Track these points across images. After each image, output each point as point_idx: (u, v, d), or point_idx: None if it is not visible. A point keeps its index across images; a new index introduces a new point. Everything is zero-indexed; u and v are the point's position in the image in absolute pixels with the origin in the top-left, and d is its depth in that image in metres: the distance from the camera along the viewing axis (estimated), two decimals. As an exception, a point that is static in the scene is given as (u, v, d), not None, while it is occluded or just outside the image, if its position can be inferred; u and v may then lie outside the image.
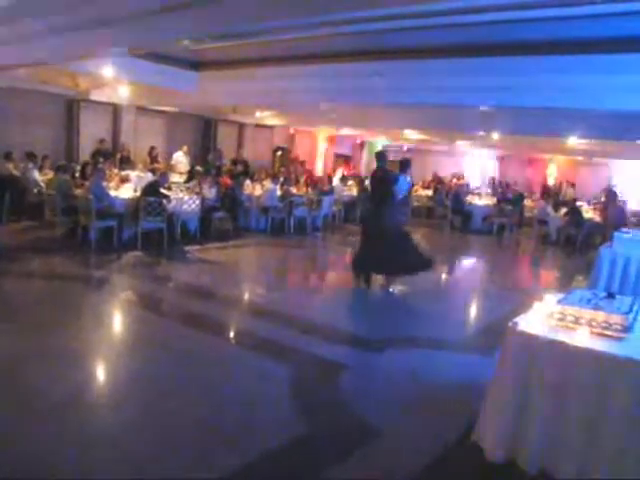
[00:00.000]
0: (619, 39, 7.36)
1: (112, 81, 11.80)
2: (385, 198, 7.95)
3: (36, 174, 11.16)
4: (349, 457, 3.58)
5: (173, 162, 15.51)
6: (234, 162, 17.16)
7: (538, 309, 3.68)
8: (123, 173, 11.71)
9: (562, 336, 3.27)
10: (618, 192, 16.24)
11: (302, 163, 19.62)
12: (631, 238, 7.32)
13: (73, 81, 12.51)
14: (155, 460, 3.38)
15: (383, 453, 3.68)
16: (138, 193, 9.99)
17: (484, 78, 8.84)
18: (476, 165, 25.17)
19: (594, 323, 3.34)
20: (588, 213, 15.28)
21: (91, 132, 14.60)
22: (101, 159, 12.51)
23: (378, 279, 8.29)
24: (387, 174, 8.16)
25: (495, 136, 16.11)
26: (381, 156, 8.47)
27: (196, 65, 11.89)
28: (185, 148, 16.01)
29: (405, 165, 8.69)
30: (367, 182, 13.38)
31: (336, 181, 17.22)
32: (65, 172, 10.48)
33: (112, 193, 9.94)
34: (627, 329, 3.31)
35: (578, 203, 15.89)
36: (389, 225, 7.99)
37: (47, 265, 8.28)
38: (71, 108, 14.44)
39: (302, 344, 5.62)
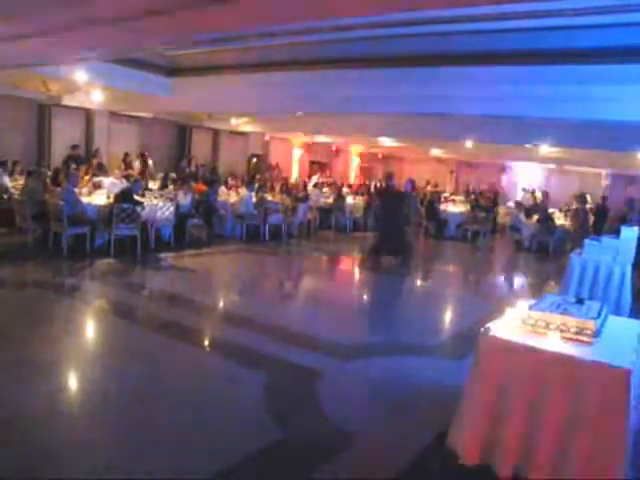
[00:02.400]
0: (589, 50, 7.52)
1: (85, 86, 11.68)
2: (398, 210, 10.85)
3: (6, 179, 10.98)
4: (324, 463, 3.57)
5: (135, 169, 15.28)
6: (211, 170, 17.13)
7: (510, 315, 3.73)
8: (96, 179, 11.57)
9: (533, 341, 3.32)
10: (589, 199, 16.58)
11: (278, 170, 19.65)
12: (601, 245, 7.45)
13: (44, 86, 12.36)
14: (128, 468, 3.33)
15: (358, 459, 3.67)
16: (111, 199, 9.87)
17: (456, 87, 8.97)
18: (450, 172, 25.46)
19: (564, 328, 3.39)
20: (560, 220, 15.53)
21: (63, 137, 14.43)
22: (73, 165, 12.35)
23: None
24: (404, 194, 11.75)
25: (468, 144, 16.32)
26: (391, 176, 11.41)
27: (170, 71, 11.84)
28: (147, 154, 15.82)
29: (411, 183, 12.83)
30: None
31: (311, 188, 17.23)
32: (36, 178, 10.31)
33: (84, 199, 9.81)
34: (596, 334, 3.36)
35: (550, 210, 16.14)
36: (399, 228, 10.94)
37: (17, 272, 8.13)
38: (43, 113, 14.27)
39: (276, 351, 5.59)
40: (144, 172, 14.71)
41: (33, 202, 9.44)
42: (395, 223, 10.80)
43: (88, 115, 15.22)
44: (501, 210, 18.42)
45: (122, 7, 5.31)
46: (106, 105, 14.34)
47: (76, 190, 9.75)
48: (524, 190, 20.69)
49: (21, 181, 10.96)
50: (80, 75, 10.21)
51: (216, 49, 8.11)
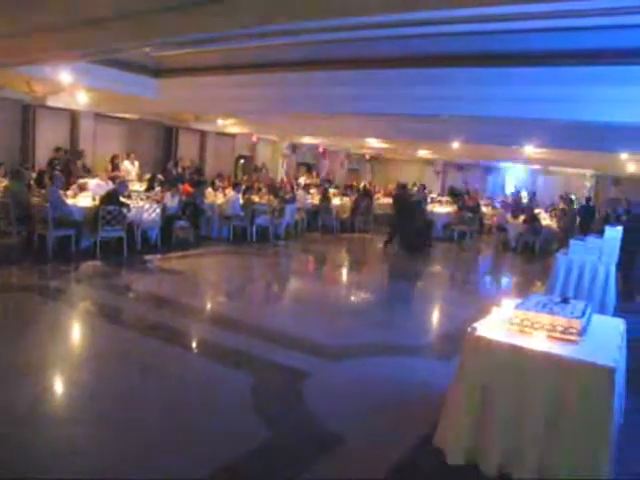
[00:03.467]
0: (576, 52, 7.58)
1: (69, 87, 11.58)
2: (412, 213, 13.76)
3: (-11, 182, 10.85)
4: (313, 463, 3.58)
5: (122, 171, 15.16)
6: (193, 170, 17.05)
7: (496, 314, 3.75)
8: (81, 181, 11.47)
9: (519, 340, 3.34)
10: (574, 199, 16.72)
11: (265, 171, 19.62)
12: (586, 245, 7.51)
13: (28, 86, 12.22)
14: (115, 472, 3.31)
15: (346, 459, 3.67)
16: (97, 201, 9.79)
17: (443, 88, 9.01)
18: (437, 173, 25.56)
19: (549, 327, 3.42)
20: (546, 220, 15.65)
21: (48, 139, 14.29)
22: (58, 167, 12.24)
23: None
24: (418, 202, 15.13)
25: (455, 145, 16.38)
26: (404, 186, 15.25)
27: (156, 72, 11.76)
28: (132, 156, 15.69)
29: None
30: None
31: (297, 189, 17.20)
32: (20, 179, 10.16)
33: (70, 201, 9.73)
34: (581, 332, 3.39)
35: (536, 210, 16.27)
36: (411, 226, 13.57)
37: (1, 275, 8.03)
38: (27, 114, 14.13)
39: (263, 352, 5.58)
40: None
41: (17, 204, 9.32)
42: (411, 224, 13.57)
43: (73, 116, 15.09)
44: (489, 211, 18.50)
45: (105, 8, 5.31)
46: (91, 106, 14.22)
47: (61, 192, 9.67)
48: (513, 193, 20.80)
49: (4, 183, 10.81)
50: (64, 76, 10.12)
51: (201, 50, 8.08)
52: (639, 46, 6.95)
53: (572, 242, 7.69)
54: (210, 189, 13.82)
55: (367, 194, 18.39)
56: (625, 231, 7.75)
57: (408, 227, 13.54)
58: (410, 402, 4.66)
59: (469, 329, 3.46)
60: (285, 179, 19.99)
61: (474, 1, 4.15)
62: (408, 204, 14.14)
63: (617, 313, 6.39)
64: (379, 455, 3.73)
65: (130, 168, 15.17)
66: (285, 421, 4.19)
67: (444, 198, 20.34)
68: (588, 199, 16.69)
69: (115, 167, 14.64)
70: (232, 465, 3.48)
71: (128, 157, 15.50)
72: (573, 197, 18.02)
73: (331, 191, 17.97)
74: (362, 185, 21.45)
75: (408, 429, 4.09)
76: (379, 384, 5.02)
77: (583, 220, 15.14)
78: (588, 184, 22.17)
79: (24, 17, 5.84)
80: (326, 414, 4.30)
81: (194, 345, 6.01)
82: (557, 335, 3.38)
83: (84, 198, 10.26)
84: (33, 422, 3.81)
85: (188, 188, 12.67)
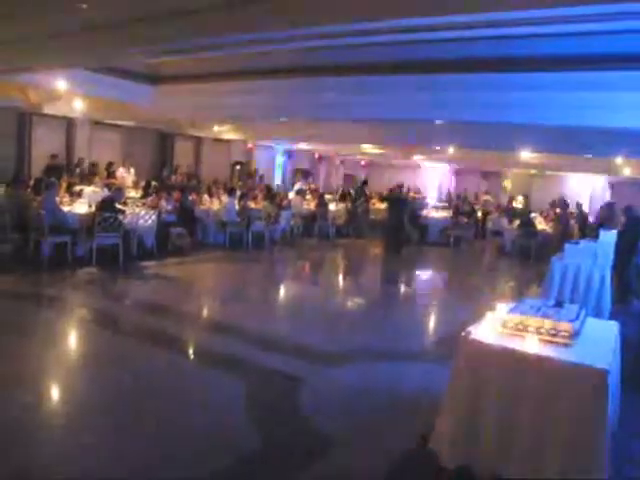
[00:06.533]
0: (576, 57, 7.63)
1: (65, 94, 11.60)
2: (404, 211, 14.58)
3: (-17, 189, 10.83)
4: (308, 468, 3.59)
5: (118, 179, 15.12)
6: (189, 177, 17.03)
7: (490, 318, 3.76)
8: (77, 188, 11.47)
9: (512, 343, 3.35)
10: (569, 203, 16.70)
11: (260, 177, 19.63)
12: (581, 249, 7.53)
13: (24, 94, 12.23)
14: (106, 476, 3.31)
15: (342, 462, 3.68)
16: (93, 208, 9.79)
17: (439, 94, 9.06)
18: (433, 179, 25.61)
19: (543, 330, 3.43)
20: (541, 224, 15.66)
21: (44, 147, 14.28)
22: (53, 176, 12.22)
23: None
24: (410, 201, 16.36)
25: (450, 150, 16.44)
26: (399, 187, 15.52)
27: (152, 79, 11.81)
28: (127, 163, 15.67)
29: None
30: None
31: (292, 195, 17.18)
32: (16, 187, 10.15)
33: (65, 208, 9.73)
34: (574, 336, 3.40)
35: (532, 215, 16.26)
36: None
37: (-4, 283, 8.02)
38: (23, 122, 14.12)
39: (258, 358, 5.59)
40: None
41: (13, 211, 9.32)
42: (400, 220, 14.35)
43: (69, 124, 15.10)
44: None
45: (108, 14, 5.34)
46: (87, 113, 14.24)
47: (57, 199, 9.67)
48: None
49: (1, 190, 10.80)
50: (60, 83, 10.15)
51: (197, 57, 8.11)
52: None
53: (567, 246, 7.71)
54: (206, 195, 13.83)
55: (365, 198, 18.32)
56: (621, 233, 7.78)
57: (391, 223, 14.22)
58: (406, 405, 4.67)
59: (463, 333, 3.47)
60: (281, 185, 20.01)
61: (481, 7, 4.19)
62: (397, 200, 14.66)
63: (613, 317, 6.41)
64: (373, 457, 3.74)
65: (126, 175, 15.14)
66: (279, 425, 4.19)
67: (439, 204, 20.33)
68: (579, 205, 16.61)
69: (111, 174, 14.63)
70: (223, 469, 3.49)
71: (123, 165, 15.47)
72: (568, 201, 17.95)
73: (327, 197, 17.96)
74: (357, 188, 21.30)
75: (403, 431, 4.10)
76: (375, 388, 5.02)
77: (580, 225, 15.03)
78: (586, 189, 22.05)
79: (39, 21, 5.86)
80: (321, 418, 4.30)
81: (190, 351, 6.01)
82: (550, 338, 3.39)
83: (80, 205, 10.26)
84: (28, 428, 3.80)
85: (179, 195, 12.60)
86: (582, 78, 7.83)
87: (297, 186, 19.02)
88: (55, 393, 4.65)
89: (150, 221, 10.51)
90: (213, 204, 13.44)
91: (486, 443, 3.26)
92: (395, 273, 12.13)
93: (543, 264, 9.84)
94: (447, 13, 4.18)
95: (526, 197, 21.62)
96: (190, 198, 12.50)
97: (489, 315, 3.82)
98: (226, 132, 17.95)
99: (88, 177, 13.15)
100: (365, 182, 19.27)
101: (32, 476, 3.29)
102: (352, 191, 19.11)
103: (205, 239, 12.72)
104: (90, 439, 3.77)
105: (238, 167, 21.02)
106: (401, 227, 14.35)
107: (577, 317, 3.60)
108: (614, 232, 7.75)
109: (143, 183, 14.23)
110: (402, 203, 14.81)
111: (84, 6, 5.26)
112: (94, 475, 3.34)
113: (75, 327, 6.48)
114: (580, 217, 15.53)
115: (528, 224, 14.82)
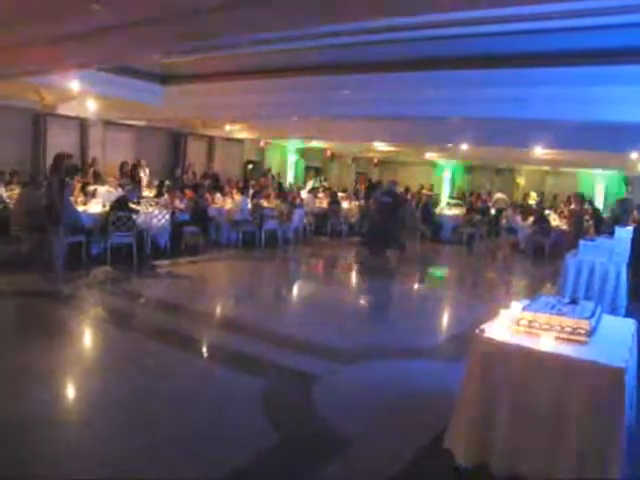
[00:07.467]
0: (590, 51, 7.55)
1: (78, 95, 11.68)
2: (397, 210, 13.31)
3: (1, 189, 10.95)
4: (323, 466, 3.59)
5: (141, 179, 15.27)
6: (204, 176, 17.06)
7: (504, 316, 3.73)
8: (91, 188, 11.55)
9: (527, 341, 3.32)
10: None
11: (272, 176, 19.66)
12: (596, 246, 7.45)
13: (38, 95, 12.35)
14: (124, 476, 3.33)
15: (356, 461, 3.68)
16: (107, 208, 9.86)
17: (452, 90, 9.01)
18: (446, 176, 25.49)
19: (558, 328, 3.40)
20: (555, 221, 15.53)
21: (58, 146, 14.35)
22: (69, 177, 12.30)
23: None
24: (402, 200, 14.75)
25: (464, 146, 16.34)
26: (394, 184, 13.93)
27: (164, 79, 11.85)
28: (143, 162, 15.76)
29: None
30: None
31: (304, 194, 17.18)
32: (32, 187, 10.24)
33: (80, 208, 9.80)
34: (590, 333, 3.37)
35: (546, 212, 16.12)
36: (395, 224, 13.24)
37: (13, 282, 8.08)
38: (37, 122, 14.26)
39: (273, 356, 5.59)
40: (139, 181, 14.65)
41: (29, 211, 9.40)
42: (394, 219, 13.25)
43: (83, 124, 15.22)
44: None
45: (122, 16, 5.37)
46: (100, 114, 14.35)
47: (71, 199, 9.73)
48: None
49: (17, 191, 10.91)
50: (74, 84, 10.22)
51: (208, 56, 8.13)
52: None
53: (582, 243, 7.63)
54: (219, 194, 13.86)
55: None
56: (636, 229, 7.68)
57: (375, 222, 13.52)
58: (421, 404, 4.65)
59: (477, 330, 3.45)
60: (293, 183, 20.01)
61: (490, 2, 4.16)
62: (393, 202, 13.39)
63: (629, 314, 6.34)
64: (389, 457, 3.73)
65: (141, 175, 15.26)
66: (294, 424, 4.20)
67: (452, 200, 20.25)
68: (591, 202, 16.39)
69: (124, 174, 14.69)
70: (244, 469, 3.49)
71: (139, 164, 15.59)
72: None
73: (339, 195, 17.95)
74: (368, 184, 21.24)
75: (418, 431, 4.09)
76: (391, 386, 5.02)
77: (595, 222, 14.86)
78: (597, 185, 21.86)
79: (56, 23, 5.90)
80: (336, 417, 4.30)
81: (204, 349, 6.03)
82: (566, 336, 3.36)
83: (94, 205, 10.34)
84: (45, 426, 3.83)
85: (190, 193, 12.64)
86: (597, 72, 7.74)
87: (308, 184, 19.03)
88: (71, 390, 4.69)
89: (163, 220, 10.56)
90: (226, 203, 13.47)
91: (501, 442, 3.24)
92: (409, 272, 12.08)
93: (558, 261, 9.80)
94: (467, 8, 4.14)
95: (541, 193, 21.43)
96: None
97: (503, 313, 3.79)
98: (238, 131, 17.98)
99: (98, 178, 13.20)
100: (379, 182, 18.68)
101: (51, 470, 3.32)
102: (363, 187, 19.07)
103: (218, 238, 12.75)
104: (106, 436, 3.81)
105: (251, 166, 21.06)
106: (388, 228, 12.86)
107: (593, 314, 3.56)
108: (630, 228, 7.66)
109: (156, 182, 14.32)
110: (388, 200, 13.10)
111: (97, 7, 5.29)
112: (110, 473, 3.36)
113: (91, 325, 6.53)
114: (595, 214, 15.36)
115: (542, 221, 14.70)
